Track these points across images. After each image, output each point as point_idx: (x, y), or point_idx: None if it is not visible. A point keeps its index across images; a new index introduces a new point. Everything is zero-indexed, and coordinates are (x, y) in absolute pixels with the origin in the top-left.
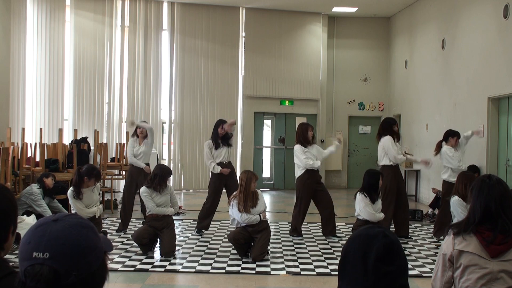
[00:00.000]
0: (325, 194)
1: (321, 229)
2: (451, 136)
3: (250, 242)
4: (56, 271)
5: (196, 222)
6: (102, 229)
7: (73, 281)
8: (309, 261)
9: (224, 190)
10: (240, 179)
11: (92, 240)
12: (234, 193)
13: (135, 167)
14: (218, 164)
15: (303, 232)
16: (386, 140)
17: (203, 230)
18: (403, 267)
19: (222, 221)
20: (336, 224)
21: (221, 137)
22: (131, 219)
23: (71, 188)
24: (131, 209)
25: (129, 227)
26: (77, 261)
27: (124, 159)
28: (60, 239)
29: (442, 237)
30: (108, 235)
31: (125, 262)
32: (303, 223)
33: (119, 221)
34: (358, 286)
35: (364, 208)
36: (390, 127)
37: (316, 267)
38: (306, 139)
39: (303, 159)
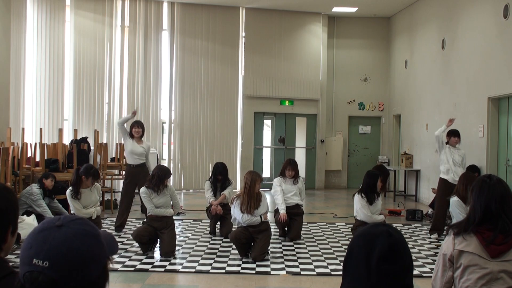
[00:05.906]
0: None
1: (320, 229)
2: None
3: (251, 242)
4: (54, 280)
5: (196, 223)
6: (102, 230)
7: None
8: (309, 261)
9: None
10: (245, 180)
11: (95, 250)
12: (238, 192)
13: (133, 167)
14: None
15: (302, 232)
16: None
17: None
18: (407, 267)
19: None
20: (337, 224)
21: (220, 183)
22: (131, 219)
23: (70, 187)
24: (129, 209)
25: (129, 226)
26: (76, 272)
27: (124, 159)
28: (62, 248)
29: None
30: None
31: (125, 262)
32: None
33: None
34: (361, 285)
35: (360, 209)
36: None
37: (316, 267)
38: (283, 174)
39: (277, 196)
